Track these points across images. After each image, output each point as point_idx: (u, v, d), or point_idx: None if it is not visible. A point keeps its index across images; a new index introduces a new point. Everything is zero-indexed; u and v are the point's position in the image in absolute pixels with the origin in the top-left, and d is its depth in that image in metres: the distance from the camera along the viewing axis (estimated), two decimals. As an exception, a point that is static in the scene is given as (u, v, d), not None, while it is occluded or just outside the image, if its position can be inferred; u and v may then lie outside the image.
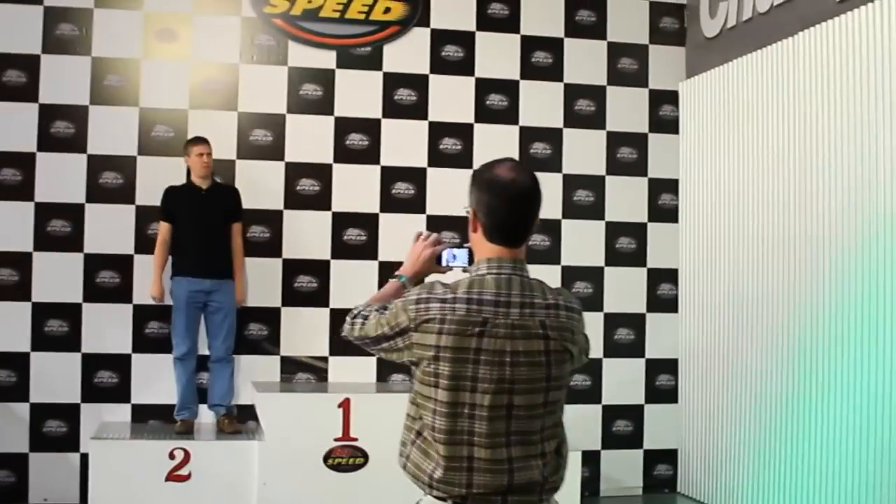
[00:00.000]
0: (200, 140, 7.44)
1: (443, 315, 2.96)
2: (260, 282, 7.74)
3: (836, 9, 6.63)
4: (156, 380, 7.58)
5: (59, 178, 7.57)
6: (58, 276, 7.54)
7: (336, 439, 7.06)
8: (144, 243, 7.60)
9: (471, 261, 3.27)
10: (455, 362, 2.96)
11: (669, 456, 8.34)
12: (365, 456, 7.08)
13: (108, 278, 7.60)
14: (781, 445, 7.15)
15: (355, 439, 7.08)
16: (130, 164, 7.65)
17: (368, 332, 3.16)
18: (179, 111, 7.75)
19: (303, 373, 7.89)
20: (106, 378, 7.57)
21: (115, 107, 7.65)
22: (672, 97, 8.47)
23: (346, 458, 7.08)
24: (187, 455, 6.92)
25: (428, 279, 3.31)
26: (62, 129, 7.57)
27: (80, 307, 7.55)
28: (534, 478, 3.00)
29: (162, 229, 7.39)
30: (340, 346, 7.85)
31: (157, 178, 7.55)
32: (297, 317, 7.89)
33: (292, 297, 7.87)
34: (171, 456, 6.91)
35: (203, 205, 7.40)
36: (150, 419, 7.60)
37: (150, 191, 7.55)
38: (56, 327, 7.52)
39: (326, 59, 7.99)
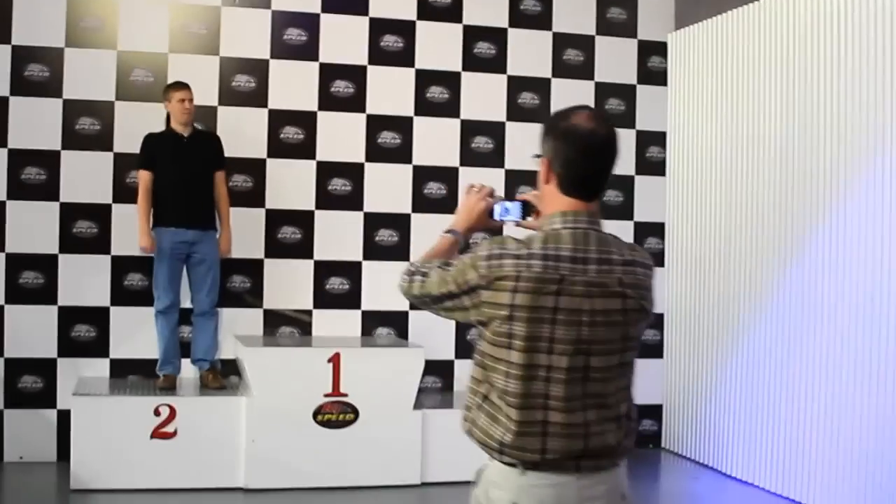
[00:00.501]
0: (181, 85, 7.11)
1: (518, 272, 2.77)
2: (243, 233, 7.42)
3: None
4: (136, 334, 7.33)
5: (34, 124, 7.24)
6: (33, 227, 7.24)
7: (326, 395, 6.86)
8: (123, 192, 7.31)
9: (524, 214, 3.08)
10: (531, 322, 2.76)
11: (654, 412, 8.25)
12: (355, 412, 6.89)
13: (85, 228, 7.30)
14: (768, 401, 7.11)
15: (345, 395, 6.89)
16: (108, 109, 7.34)
17: (430, 289, 2.96)
18: (159, 55, 7.44)
19: (286, 326, 7.68)
20: (83, 332, 7.30)
21: (93, 49, 7.33)
22: (661, 48, 8.32)
23: (336, 413, 6.89)
24: (173, 412, 6.67)
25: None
26: (36, 72, 7.23)
27: (57, 258, 7.25)
28: (608, 442, 2.84)
29: (143, 178, 7.03)
30: (325, 299, 7.69)
31: (136, 125, 7.21)
32: (281, 268, 7.66)
33: (276, 248, 7.64)
34: (157, 412, 6.65)
35: (185, 153, 7.08)
36: (129, 374, 7.35)
37: (128, 137, 7.24)
38: (31, 279, 7.22)
39: (311, 2, 7.71)
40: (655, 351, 8.23)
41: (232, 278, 7.55)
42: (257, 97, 7.61)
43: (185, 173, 7.08)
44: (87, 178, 7.32)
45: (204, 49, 7.52)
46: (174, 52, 7.46)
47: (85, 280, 7.31)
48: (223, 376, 7.27)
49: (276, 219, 7.67)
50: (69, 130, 7.30)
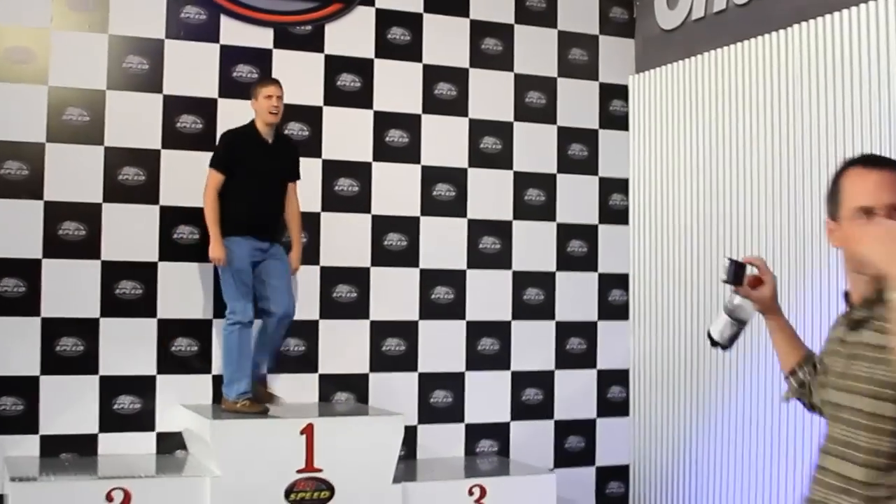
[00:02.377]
0: (271, 80, 6.45)
1: None
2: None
3: (815, 9, 6.24)
4: (70, 405, 6.39)
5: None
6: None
7: (298, 471, 6.07)
8: (55, 246, 6.40)
9: None
10: None
11: (621, 473, 7.75)
12: (331, 489, 6.10)
13: (11, 287, 6.33)
14: (738, 461, 6.70)
15: (320, 470, 6.15)
16: (38, 151, 6.46)
17: None
18: (95, 91, 6.55)
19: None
20: (9, 405, 6.32)
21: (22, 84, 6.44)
22: (622, 91, 7.91)
23: (311, 492, 6.08)
24: (127, 496, 5.75)
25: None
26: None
27: (-24, 321, 6.29)
28: None
29: (216, 179, 6.30)
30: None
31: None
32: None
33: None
34: (109, 498, 5.75)
35: (268, 159, 6.42)
36: (62, 452, 6.41)
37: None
38: (-52, 347, 6.23)
39: (262, 37, 6.95)
40: (621, 409, 7.75)
41: (177, 341, 6.72)
42: (202, 139, 6.72)
43: (265, 182, 6.41)
44: (13, 229, 6.37)
45: (146, 86, 6.62)
46: (112, 90, 6.58)
47: (11, 345, 6.32)
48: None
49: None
50: (-6, 176, 6.36)
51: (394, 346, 7.16)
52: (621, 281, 7.79)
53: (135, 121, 6.61)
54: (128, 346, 6.51)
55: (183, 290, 6.68)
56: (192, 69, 6.70)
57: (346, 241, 7.08)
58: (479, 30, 7.48)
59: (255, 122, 6.41)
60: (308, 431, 6.13)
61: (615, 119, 7.84)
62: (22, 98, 6.38)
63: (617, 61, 7.86)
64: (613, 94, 7.85)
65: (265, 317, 6.46)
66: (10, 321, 6.31)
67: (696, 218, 7.22)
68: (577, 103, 7.73)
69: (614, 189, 7.81)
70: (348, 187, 7.11)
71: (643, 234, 7.72)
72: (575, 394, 7.60)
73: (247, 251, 6.30)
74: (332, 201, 7.06)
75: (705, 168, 7.12)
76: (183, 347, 6.70)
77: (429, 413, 7.20)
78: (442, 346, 7.26)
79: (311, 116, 6.96)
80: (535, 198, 7.56)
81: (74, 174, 6.46)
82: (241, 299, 6.31)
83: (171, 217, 6.64)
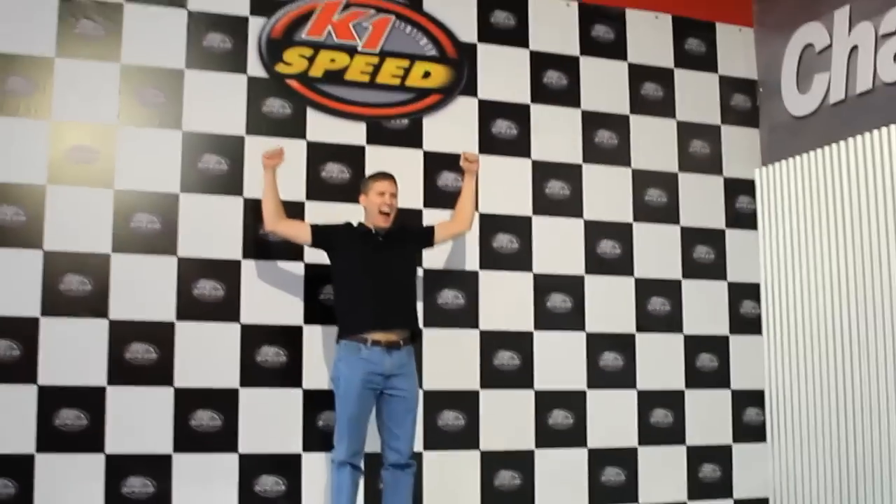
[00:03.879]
0: (384, 175, 5.58)
1: None
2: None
3: None
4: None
5: None
6: None
7: None
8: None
9: None
10: None
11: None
12: None
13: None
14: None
15: None
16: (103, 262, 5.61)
17: None
18: (168, 195, 5.75)
19: None
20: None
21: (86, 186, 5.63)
22: (748, 187, 7.00)
23: None
24: None
25: None
26: None
27: None
28: None
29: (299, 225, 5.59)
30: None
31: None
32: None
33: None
34: None
35: (381, 249, 5.49)
36: None
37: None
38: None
39: (354, 132, 6.12)
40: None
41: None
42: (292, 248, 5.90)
43: (380, 273, 5.42)
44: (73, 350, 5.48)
45: (222, 188, 5.79)
46: (185, 193, 5.77)
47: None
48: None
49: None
50: None
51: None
52: (756, 398, 6.76)
53: (211, 227, 5.75)
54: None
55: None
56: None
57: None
58: (592, 121, 6.61)
59: (364, 222, 5.56)
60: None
61: (742, 217, 6.91)
62: (87, 201, 5.56)
63: (741, 153, 6.96)
64: (739, 190, 6.92)
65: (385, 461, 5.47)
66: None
67: (833, 326, 6.25)
68: (701, 200, 6.81)
69: (745, 295, 6.84)
70: (452, 300, 6.17)
71: (778, 344, 6.72)
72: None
73: (359, 377, 5.27)
74: (436, 314, 6.12)
75: (845, 271, 6.18)
76: (269, 487, 5.72)
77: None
78: (560, 477, 6.25)
79: (409, 219, 6.05)
80: (658, 307, 6.60)
81: (143, 287, 5.59)
82: (345, 438, 5.28)
83: (253, 335, 5.74)
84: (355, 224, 5.58)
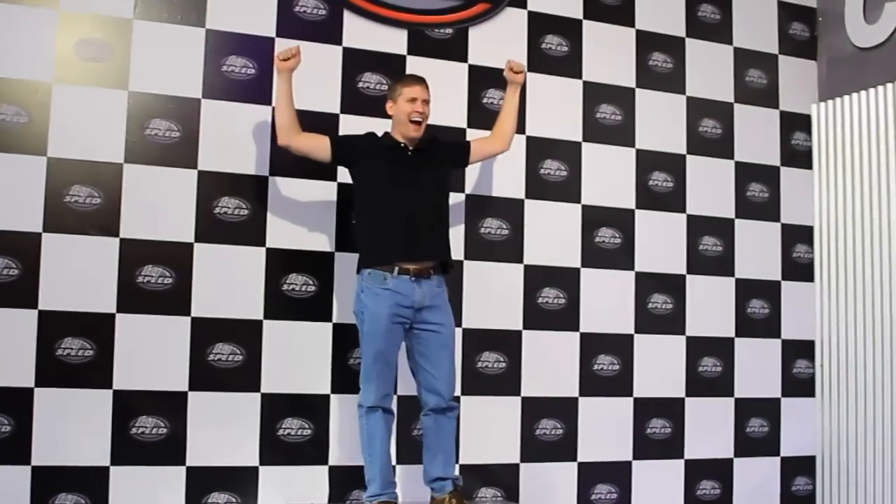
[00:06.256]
0: (416, 78, 4.81)
1: None
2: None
3: None
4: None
5: None
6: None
7: None
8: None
9: None
10: None
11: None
12: None
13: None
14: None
15: None
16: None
17: None
18: (189, 100, 4.96)
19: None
20: None
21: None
22: (804, 122, 6.41)
23: None
24: None
25: None
26: None
27: None
28: None
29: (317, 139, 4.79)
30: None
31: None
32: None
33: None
34: None
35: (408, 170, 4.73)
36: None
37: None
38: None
39: (395, 40, 5.39)
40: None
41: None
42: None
43: (409, 196, 4.68)
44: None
45: (251, 96, 5.11)
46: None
47: None
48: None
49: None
50: None
51: (549, 430, 5.55)
52: (806, 348, 6.23)
53: (234, 138, 5.02)
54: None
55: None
56: (308, 76, 5.04)
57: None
58: (647, 42, 5.95)
59: (392, 133, 4.83)
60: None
61: (797, 155, 6.33)
62: (98, 104, 4.80)
63: (798, 87, 6.36)
64: (795, 126, 6.33)
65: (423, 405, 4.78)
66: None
67: (889, 275, 5.74)
68: (756, 134, 6.21)
69: (798, 239, 6.28)
70: (496, 230, 5.52)
71: (832, 292, 6.18)
72: (757, 488, 5.99)
73: (386, 310, 4.61)
74: (478, 246, 5.46)
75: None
76: (293, 430, 5.05)
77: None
78: (604, 429, 5.66)
79: (450, 137, 5.32)
80: (711, 248, 6.02)
81: (158, 202, 4.86)
82: (373, 379, 4.62)
83: (280, 261, 5.04)
84: (380, 135, 4.87)
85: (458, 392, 5.12)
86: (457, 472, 4.81)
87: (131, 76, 4.85)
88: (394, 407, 4.68)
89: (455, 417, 4.76)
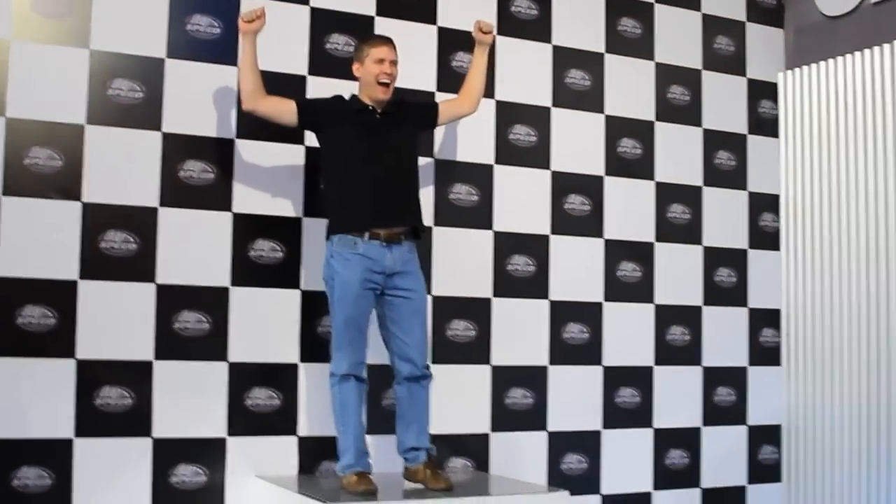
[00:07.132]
0: (382, 39, 4.68)
1: None
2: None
3: None
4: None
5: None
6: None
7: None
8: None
9: None
10: None
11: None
12: None
13: None
14: None
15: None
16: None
17: None
18: (152, 60, 4.79)
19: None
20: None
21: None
22: (770, 91, 6.38)
23: None
24: None
25: None
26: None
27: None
28: None
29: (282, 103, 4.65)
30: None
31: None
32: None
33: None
34: None
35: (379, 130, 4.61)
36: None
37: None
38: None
39: (363, 1, 5.21)
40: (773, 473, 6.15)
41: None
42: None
43: (378, 159, 4.56)
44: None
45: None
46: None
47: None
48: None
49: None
50: None
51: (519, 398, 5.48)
52: (772, 317, 6.22)
53: (200, 100, 4.86)
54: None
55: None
56: (275, 37, 4.87)
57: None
58: (615, 7, 5.88)
59: (359, 96, 4.70)
60: (452, 516, 4.40)
61: (764, 123, 6.31)
62: (58, 62, 4.61)
63: (765, 55, 6.34)
64: (762, 94, 6.31)
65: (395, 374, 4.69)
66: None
67: (855, 244, 5.77)
68: (723, 102, 6.18)
69: (765, 207, 6.26)
70: (466, 195, 5.43)
71: (797, 261, 6.18)
72: (725, 457, 5.98)
73: (357, 276, 4.52)
74: (447, 211, 5.37)
75: (873, 186, 5.68)
76: (261, 400, 4.92)
77: (559, 479, 5.50)
78: (574, 398, 5.61)
79: (418, 99, 5.19)
80: (679, 215, 5.98)
81: (121, 165, 4.68)
82: (345, 347, 4.52)
83: (246, 227, 4.90)
84: (347, 98, 4.75)
85: (428, 360, 5.01)
86: (430, 443, 4.71)
87: (92, 34, 4.66)
88: (365, 375, 4.57)
89: (428, 386, 4.66)
